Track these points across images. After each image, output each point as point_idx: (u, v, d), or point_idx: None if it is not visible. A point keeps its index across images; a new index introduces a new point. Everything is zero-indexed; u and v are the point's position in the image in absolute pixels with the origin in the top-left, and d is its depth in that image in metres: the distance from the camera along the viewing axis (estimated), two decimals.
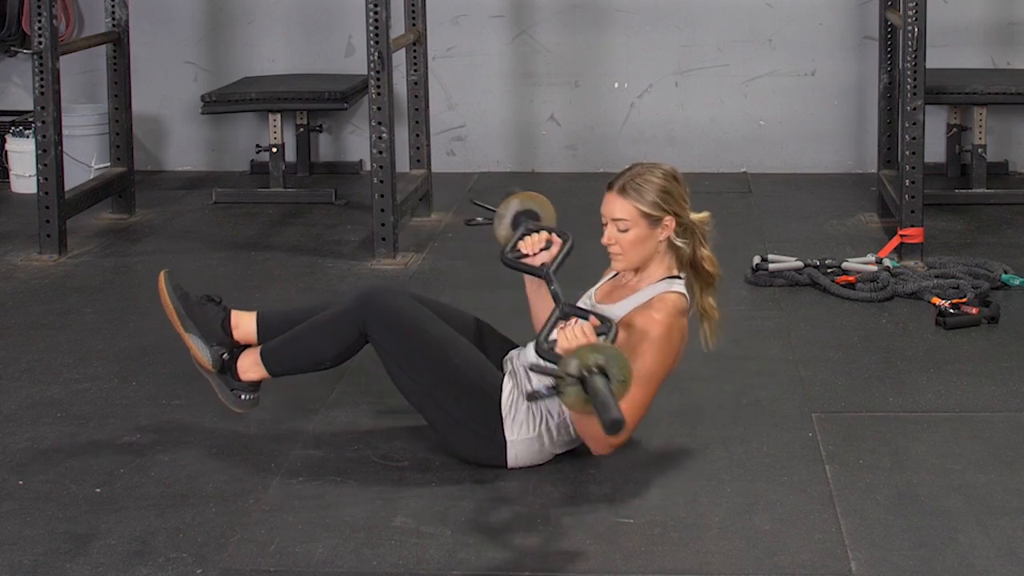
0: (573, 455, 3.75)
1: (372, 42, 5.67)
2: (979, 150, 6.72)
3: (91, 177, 6.69)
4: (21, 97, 7.42)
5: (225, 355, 3.82)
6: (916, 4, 5.50)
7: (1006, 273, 5.27)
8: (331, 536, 3.36)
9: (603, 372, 3.21)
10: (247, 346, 3.87)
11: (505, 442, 3.66)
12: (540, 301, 3.87)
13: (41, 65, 5.79)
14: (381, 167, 5.72)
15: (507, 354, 3.82)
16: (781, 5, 7.27)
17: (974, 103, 6.70)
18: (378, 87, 5.68)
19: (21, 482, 3.68)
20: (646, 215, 3.63)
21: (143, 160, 7.40)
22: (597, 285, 3.85)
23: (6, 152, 7.16)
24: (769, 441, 3.89)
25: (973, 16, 7.19)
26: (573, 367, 3.22)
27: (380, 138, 5.71)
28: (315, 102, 6.89)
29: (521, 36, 7.38)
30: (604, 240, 3.68)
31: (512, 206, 3.97)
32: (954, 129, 7.00)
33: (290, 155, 7.25)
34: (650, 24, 7.31)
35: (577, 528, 3.40)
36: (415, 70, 6.49)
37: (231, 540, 3.35)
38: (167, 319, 3.86)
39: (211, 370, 3.84)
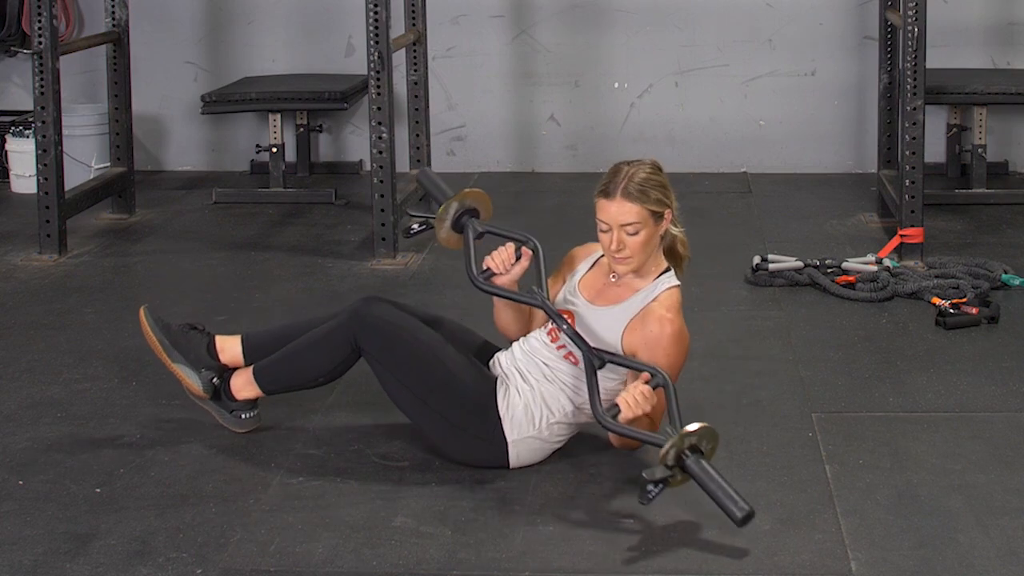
0: (573, 455, 3.75)
1: (372, 42, 5.67)
2: (979, 150, 6.72)
3: (91, 177, 6.69)
4: (21, 97, 7.42)
5: (215, 379, 3.88)
6: (916, 4, 5.50)
7: (1006, 273, 5.27)
8: (331, 536, 3.36)
9: (698, 450, 3.34)
10: (235, 369, 3.90)
11: (506, 443, 3.66)
12: (505, 307, 3.87)
13: (41, 65, 5.79)
14: (381, 167, 5.72)
15: (492, 357, 3.83)
16: (781, 5, 7.27)
17: (974, 103, 6.70)
18: (378, 87, 5.69)
19: (21, 482, 3.68)
20: (653, 213, 3.64)
21: (143, 160, 7.40)
22: (577, 278, 3.82)
23: (6, 152, 7.16)
24: (769, 441, 3.89)
25: (973, 16, 7.19)
26: (672, 458, 3.32)
27: (380, 138, 5.71)
28: (315, 102, 6.89)
29: (521, 36, 7.38)
30: (612, 247, 3.64)
31: (452, 209, 3.88)
32: (954, 129, 7.00)
33: (290, 155, 7.25)
34: (650, 24, 7.31)
35: (577, 528, 3.40)
36: (415, 70, 6.49)
37: (231, 540, 3.35)
38: (153, 354, 3.92)
39: (204, 396, 3.88)
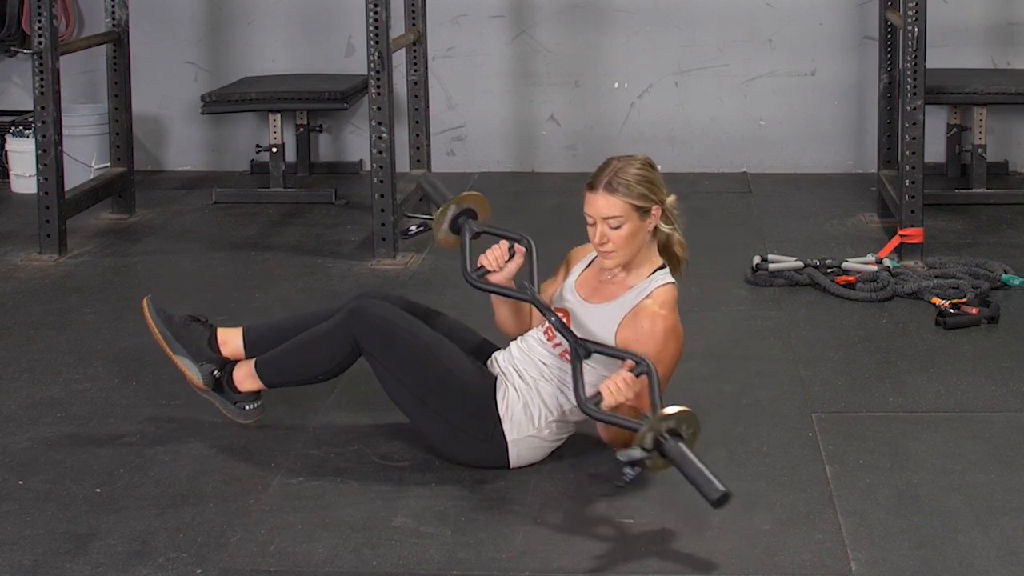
0: (573, 455, 3.75)
1: (372, 42, 5.67)
2: (979, 150, 6.72)
3: (91, 177, 6.69)
4: (21, 97, 7.42)
5: (216, 372, 3.89)
6: (916, 4, 5.50)
7: (1006, 273, 5.27)
8: (331, 536, 3.36)
9: (676, 434, 3.31)
10: (238, 361, 3.91)
11: (506, 442, 3.66)
12: (503, 305, 3.88)
13: (41, 65, 5.79)
14: (381, 167, 5.72)
15: (491, 356, 3.83)
16: (781, 5, 7.27)
17: (974, 103, 6.70)
18: (378, 87, 5.68)
19: (21, 482, 3.68)
20: (636, 208, 3.63)
21: (143, 160, 7.40)
22: (574, 276, 3.82)
23: (6, 152, 7.16)
24: (769, 441, 3.89)
25: (973, 16, 7.19)
26: (649, 441, 3.30)
27: (380, 138, 5.71)
28: (315, 102, 6.89)
29: (521, 36, 7.38)
30: (596, 240, 3.65)
31: (449, 210, 3.88)
32: (954, 129, 7.00)
33: (290, 155, 7.25)
34: (650, 24, 7.31)
35: (577, 528, 3.40)
36: (415, 70, 6.49)
37: (231, 540, 3.35)
38: (155, 350, 3.92)
39: (204, 388, 3.88)
